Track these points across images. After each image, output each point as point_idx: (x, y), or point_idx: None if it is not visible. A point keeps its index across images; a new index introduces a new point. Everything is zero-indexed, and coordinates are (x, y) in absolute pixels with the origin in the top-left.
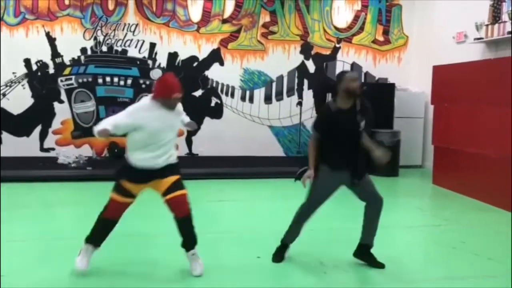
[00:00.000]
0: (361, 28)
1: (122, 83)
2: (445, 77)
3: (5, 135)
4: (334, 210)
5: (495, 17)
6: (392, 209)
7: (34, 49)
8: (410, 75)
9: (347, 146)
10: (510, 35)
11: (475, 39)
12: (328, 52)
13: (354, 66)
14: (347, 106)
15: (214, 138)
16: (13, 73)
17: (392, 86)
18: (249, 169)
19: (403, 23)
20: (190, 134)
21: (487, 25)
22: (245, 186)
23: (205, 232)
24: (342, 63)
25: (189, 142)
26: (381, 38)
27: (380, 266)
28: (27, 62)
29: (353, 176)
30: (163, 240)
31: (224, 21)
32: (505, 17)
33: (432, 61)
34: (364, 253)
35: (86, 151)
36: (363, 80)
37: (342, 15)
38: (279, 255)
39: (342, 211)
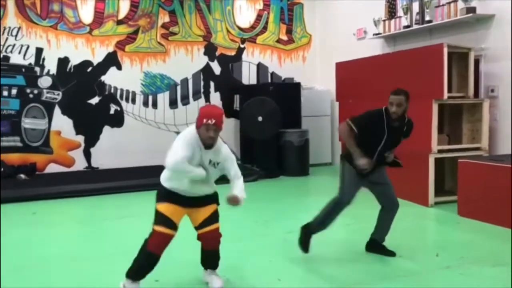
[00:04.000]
0: (265, 28)
1: (5, 93)
2: (347, 73)
3: None
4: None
5: (391, 12)
6: (302, 209)
7: None
8: (315, 73)
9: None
10: (405, 29)
11: (374, 34)
12: (233, 53)
13: (260, 66)
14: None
15: (115, 149)
16: None
17: (298, 86)
18: (155, 179)
19: (306, 21)
20: (88, 146)
21: (384, 21)
22: (151, 199)
23: (103, 255)
24: (248, 63)
25: (87, 155)
26: (285, 38)
27: (391, 254)
28: None
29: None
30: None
31: (119, 22)
32: (400, 12)
33: (335, 58)
34: (375, 246)
35: None
36: (269, 81)
37: (245, 15)
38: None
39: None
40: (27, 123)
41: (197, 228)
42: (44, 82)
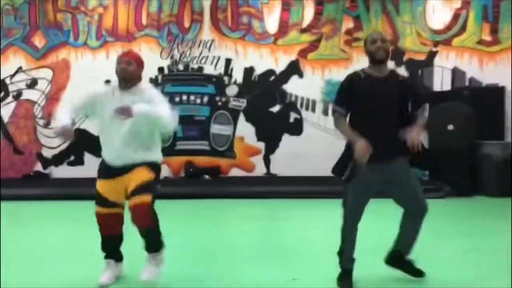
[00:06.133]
0: (463, 28)
1: (198, 101)
2: None
3: (87, 156)
4: None
5: None
6: (499, 233)
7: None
8: None
9: (381, 122)
10: None
11: None
12: (423, 57)
13: (456, 71)
14: (380, 74)
15: (294, 156)
16: None
17: (501, 90)
18: (333, 188)
19: None
20: (268, 152)
21: None
22: (323, 206)
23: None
24: (441, 68)
25: (267, 161)
26: (488, 38)
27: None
28: (108, 83)
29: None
30: None
31: (303, 31)
32: None
33: None
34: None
35: (163, 170)
36: (466, 84)
37: (439, 15)
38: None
39: None
40: (215, 128)
41: (127, 198)
42: (231, 90)
